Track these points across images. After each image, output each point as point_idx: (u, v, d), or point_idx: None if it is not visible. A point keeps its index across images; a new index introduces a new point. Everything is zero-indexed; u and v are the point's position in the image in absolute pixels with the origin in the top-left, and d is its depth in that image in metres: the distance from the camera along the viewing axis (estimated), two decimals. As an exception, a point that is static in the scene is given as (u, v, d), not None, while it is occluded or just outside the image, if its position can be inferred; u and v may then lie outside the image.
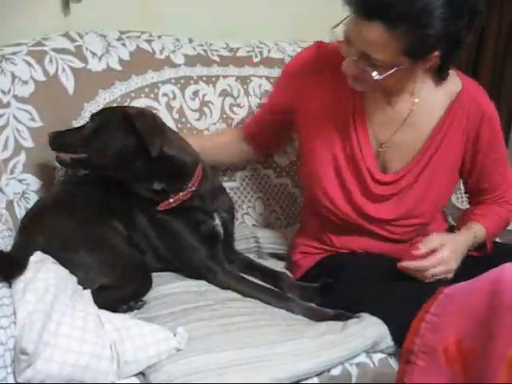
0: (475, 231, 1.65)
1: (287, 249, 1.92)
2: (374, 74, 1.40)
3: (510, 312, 0.69)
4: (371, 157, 1.63)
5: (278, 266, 1.85)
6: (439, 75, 1.57)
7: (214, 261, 1.63)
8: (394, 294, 1.46)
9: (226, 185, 1.96)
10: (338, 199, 1.65)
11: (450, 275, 1.48)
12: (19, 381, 1.10)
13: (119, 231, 1.57)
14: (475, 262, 1.46)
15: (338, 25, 1.43)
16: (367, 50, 1.37)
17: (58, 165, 1.63)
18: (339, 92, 1.61)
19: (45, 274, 1.26)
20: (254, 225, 2.04)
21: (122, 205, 1.60)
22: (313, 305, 1.59)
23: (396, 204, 1.66)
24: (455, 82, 1.61)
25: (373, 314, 1.47)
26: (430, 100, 1.60)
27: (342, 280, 1.61)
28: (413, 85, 1.57)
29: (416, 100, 1.59)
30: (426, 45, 1.36)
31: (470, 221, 1.70)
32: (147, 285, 1.55)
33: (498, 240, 1.83)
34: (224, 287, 1.60)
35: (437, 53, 1.40)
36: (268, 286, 1.65)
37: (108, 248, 1.51)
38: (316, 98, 1.64)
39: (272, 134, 1.84)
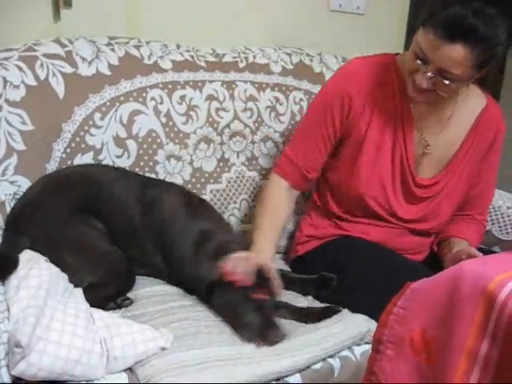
0: (465, 244, 1.79)
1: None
2: (453, 85, 1.54)
3: (466, 306, 0.75)
4: (414, 161, 1.75)
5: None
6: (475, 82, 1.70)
7: None
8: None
9: (213, 187, 2.02)
10: (382, 198, 1.75)
11: None
12: (13, 373, 1.13)
13: (99, 229, 1.60)
14: None
15: (410, 46, 1.58)
16: (447, 67, 1.50)
17: (48, 167, 1.69)
18: (388, 102, 1.72)
19: (37, 271, 1.30)
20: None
21: (103, 204, 1.64)
22: (302, 306, 1.63)
23: (423, 206, 1.78)
24: (480, 96, 1.77)
25: (368, 304, 1.54)
26: (465, 107, 1.74)
27: (345, 266, 1.70)
28: (457, 93, 1.70)
29: (452, 110, 1.74)
30: (493, 59, 1.52)
31: (453, 237, 1.84)
32: (130, 280, 1.61)
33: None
34: None
35: (493, 63, 1.54)
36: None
37: (91, 248, 1.55)
38: (367, 107, 1.71)
39: (323, 163, 1.83)
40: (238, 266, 1.47)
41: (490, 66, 1.56)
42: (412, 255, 1.81)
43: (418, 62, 1.54)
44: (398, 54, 1.79)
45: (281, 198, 1.79)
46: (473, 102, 1.76)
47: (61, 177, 1.68)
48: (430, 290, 0.81)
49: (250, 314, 1.44)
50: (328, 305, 1.62)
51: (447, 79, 1.52)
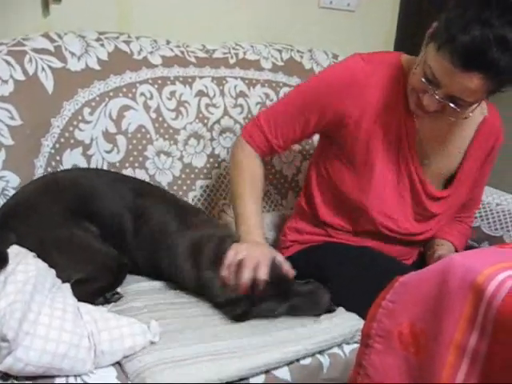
0: (449, 247, 1.78)
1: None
2: (463, 111, 1.48)
3: (455, 299, 0.75)
4: (421, 172, 1.67)
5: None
6: None
7: None
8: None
9: (203, 183, 2.02)
10: (391, 215, 1.68)
11: None
12: (0, 368, 1.13)
13: (91, 231, 1.59)
14: None
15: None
16: (459, 94, 1.42)
17: (36, 162, 1.68)
18: (390, 107, 1.62)
19: (24, 266, 1.29)
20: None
21: (95, 209, 1.63)
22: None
23: (433, 223, 1.75)
24: (483, 105, 1.68)
25: (356, 306, 1.54)
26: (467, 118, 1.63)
27: (331, 270, 1.67)
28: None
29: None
30: (507, 83, 1.43)
31: (439, 238, 1.82)
32: (120, 277, 1.60)
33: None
34: None
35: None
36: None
37: (79, 246, 1.53)
38: (368, 109, 1.61)
39: (293, 144, 1.79)
40: (246, 275, 1.43)
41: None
42: (401, 260, 1.78)
43: (427, 83, 1.45)
44: (401, 53, 1.70)
45: (255, 164, 1.71)
46: (475, 112, 1.63)
47: (54, 180, 1.67)
48: (419, 283, 0.81)
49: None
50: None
51: (457, 105, 1.45)
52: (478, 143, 1.71)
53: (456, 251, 1.79)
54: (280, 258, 1.52)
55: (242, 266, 1.44)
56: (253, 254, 1.46)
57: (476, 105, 1.50)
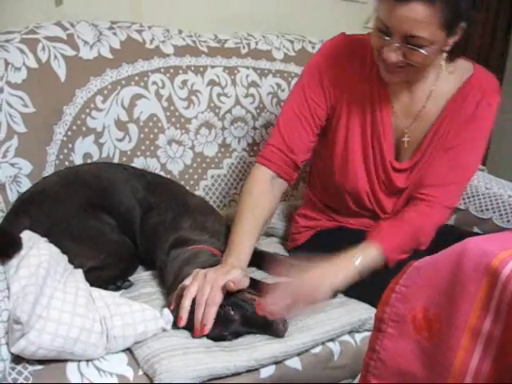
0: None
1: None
2: (424, 52, 1.41)
3: (470, 283, 0.74)
4: (391, 146, 1.67)
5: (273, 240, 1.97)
6: (452, 56, 1.58)
7: None
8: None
9: (214, 172, 2.03)
10: (362, 188, 1.69)
11: None
12: (13, 351, 1.13)
13: (108, 223, 1.59)
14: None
15: (369, 20, 1.47)
16: (410, 30, 1.38)
17: (48, 150, 1.69)
18: (366, 83, 1.64)
19: (37, 250, 1.29)
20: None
21: (113, 204, 1.63)
22: None
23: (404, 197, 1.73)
24: (468, 69, 1.64)
25: (365, 293, 1.52)
26: (443, 88, 1.62)
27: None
28: (433, 71, 1.60)
29: (433, 88, 1.62)
30: (458, 15, 1.39)
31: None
32: (133, 266, 1.61)
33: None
34: None
35: (463, 24, 1.42)
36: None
37: (92, 235, 1.54)
38: (346, 87, 1.64)
39: (310, 145, 1.69)
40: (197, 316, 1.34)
41: (465, 31, 1.44)
42: None
43: (381, 35, 1.43)
44: None
45: (262, 190, 1.60)
46: (457, 76, 1.62)
47: (76, 172, 1.68)
48: (433, 267, 0.81)
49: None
50: None
51: (415, 45, 1.41)
52: (454, 108, 1.64)
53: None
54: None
55: (196, 304, 1.34)
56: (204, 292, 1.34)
57: (437, 46, 1.44)
